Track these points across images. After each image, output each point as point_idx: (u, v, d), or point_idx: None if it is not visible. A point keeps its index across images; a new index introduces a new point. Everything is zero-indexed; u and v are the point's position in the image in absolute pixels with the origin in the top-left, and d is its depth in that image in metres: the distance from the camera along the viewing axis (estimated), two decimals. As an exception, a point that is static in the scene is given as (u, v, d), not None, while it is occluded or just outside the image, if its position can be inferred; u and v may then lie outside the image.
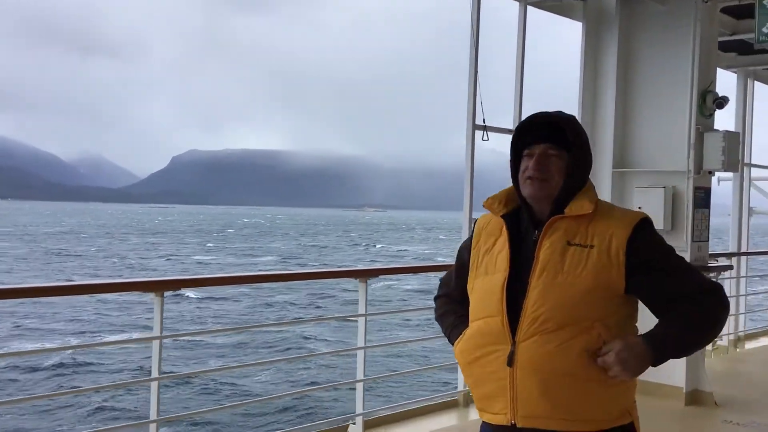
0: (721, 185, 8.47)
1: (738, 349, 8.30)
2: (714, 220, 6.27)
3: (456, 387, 5.77)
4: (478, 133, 5.62)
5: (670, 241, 2.13)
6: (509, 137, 2.22)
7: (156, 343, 3.96)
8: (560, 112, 2.16)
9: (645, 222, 2.05)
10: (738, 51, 8.17)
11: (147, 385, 4.07)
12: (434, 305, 2.43)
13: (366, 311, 4.99)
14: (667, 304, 2.03)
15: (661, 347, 1.97)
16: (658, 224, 5.84)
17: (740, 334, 8.49)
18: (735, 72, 8.77)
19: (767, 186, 9.52)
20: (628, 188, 6.25)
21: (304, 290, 32.05)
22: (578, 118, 6.26)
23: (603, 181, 6.22)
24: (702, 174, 5.98)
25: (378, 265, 40.36)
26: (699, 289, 2.03)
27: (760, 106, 9.36)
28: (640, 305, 2.10)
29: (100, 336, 22.39)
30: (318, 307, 29.32)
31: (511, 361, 1.99)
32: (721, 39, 6.68)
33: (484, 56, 5.67)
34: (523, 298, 2.01)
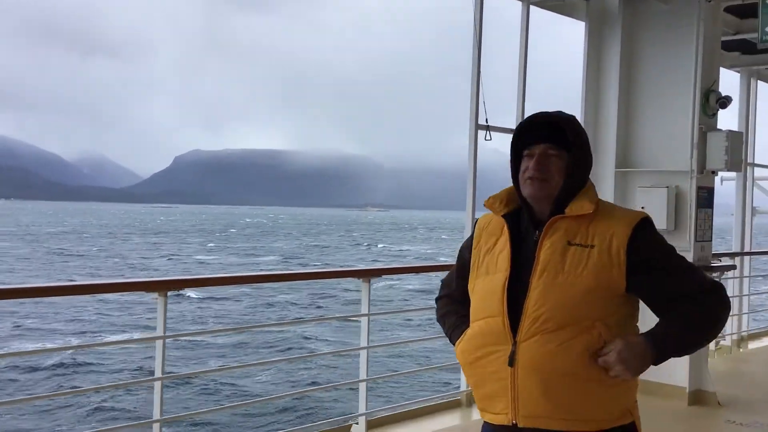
0: (724, 185, 8.47)
1: (741, 349, 8.30)
2: (717, 220, 6.25)
3: (459, 387, 5.77)
4: (481, 133, 5.61)
5: (673, 240, 2.13)
6: (511, 137, 2.22)
7: (159, 343, 3.96)
8: (560, 112, 2.16)
9: (645, 221, 2.05)
10: (741, 50, 8.15)
11: (147, 385, 4.07)
12: (436, 306, 2.43)
13: (369, 311, 4.99)
14: (667, 303, 2.03)
15: (661, 346, 1.97)
16: (661, 224, 5.83)
17: (743, 334, 8.48)
18: (738, 71, 8.76)
19: (770, 186, 9.51)
20: (630, 188, 6.24)
21: (305, 290, 32.05)
22: (581, 117, 6.28)
23: (606, 180, 6.21)
24: (705, 174, 5.97)
25: (380, 265, 40.44)
26: (700, 289, 2.03)
27: (763, 106, 9.35)
28: (641, 305, 2.10)
29: (101, 336, 22.41)
30: (319, 307, 29.32)
31: (512, 361, 1.99)
32: (724, 38, 6.67)
33: (486, 56, 5.66)
34: (524, 298, 2.01)
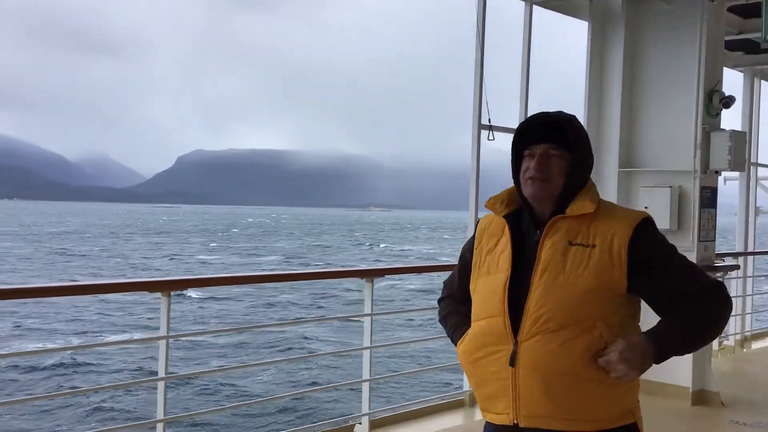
0: (728, 185, 8.45)
1: (744, 349, 8.28)
2: (720, 220, 6.25)
3: (462, 387, 5.76)
4: (484, 133, 5.60)
5: (676, 240, 2.13)
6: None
7: (163, 343, 3.96)
8: (561, 112, 2.16)
9: (647, 221, 2.05)
10: (745, 50, 8.13)
11: (149, 385, 4.07)
12: (438, 307, 2.44)
13: (372, 311, 4.98)
14: (669, 303, 2.03)
15: (663, 344, 1.97)
16: (665, 224, 5.82)
17: (747, 334, 8.46)
18: (741, 71, 8.74)
19: (774, 186, 9.49)
20: (634, 188, 6.23)
21: (306, 290, 32.04)
22: (584, 117, 6.28)
23: (609, 180, 6.21)
24: (708, 173, 5.96)
25: (381, 265, 40.40)
26: (701, 288, 2.03)
27: (766, 106, 9.33)
28: (643, 305, 2.10)
29: (102, 336, 22.42)
30: (320, 307, 29.32)
31: (513, 361, 1.99)
32: (727, 38, 6.65)
33: (488, 55, 5.66)
34: (525, 298, 2.01)
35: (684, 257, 2.08)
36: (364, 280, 4.98)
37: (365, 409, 4.92)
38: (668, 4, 6.01)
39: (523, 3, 6.04)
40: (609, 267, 1.98)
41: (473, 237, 2.27)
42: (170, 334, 3.97)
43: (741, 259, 8.25)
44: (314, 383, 15.22)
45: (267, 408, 13.26)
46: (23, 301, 23.24)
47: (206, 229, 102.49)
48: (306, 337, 21.57)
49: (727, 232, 11.48)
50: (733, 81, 8.26)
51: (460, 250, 2.36)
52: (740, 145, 5.98)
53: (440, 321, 2.39)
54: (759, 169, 9.08)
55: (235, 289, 29.97)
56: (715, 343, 7.48)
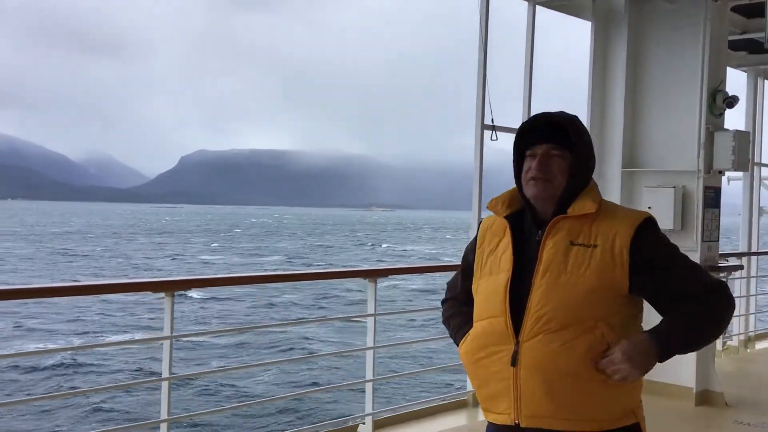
0: (731, 185, 8.43)
1: (748, 350, 8.26)
2: (724, 220, 6.24)
3: (465, 387, 5.75)
4: (487, 133, 5.60)
5: (679, 241, 2.13)
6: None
7: (167, 343, 3.96)
8: (562, 112, 2.16)
9: (649, 221, 2.05)
10: (748, 50, 8.11)
11: (151, 385, 4.07)
12: (441, 309, 2.44)
13: (375, 311, 4.98)
14: (671, 303, 2.03)
15: (665, 343, 1.97)
16: (668, 224, 5.81)
17: (750, 334, 8.44)
18: (745, 71, 8.71)
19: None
20: (637, 188, 6.22)
21: (308, 290, 32.04)
22: (587, 117, 6.27)
23: (612, 180, 6.19)
24: (712, 173, 5.94)
25: (384, 265, 40.40)
26: (703, 288, 2.02)
27: (770, 106, 9.30)
28: (645, 305, 2.09)
29: (103, 336, 22.43)
30: (322, 307, 29.33)
31: (514, 361, 1.99)
32: (731, 38, 6.64)
33: (491, 55, 5.65)
34: (527, 298, 2.01)
35: (686, 257, 2.08)
36: (368, 280, 4.98)
37: (369, 409, 4.91)
38: (671, 4, 5.99)
39: (526, 3, 6.04)
40: (611, 267, 1.98)
41: (476, 238, 2.27)
42: (174, 334, 3.97)
43: (745, 259, 8.23)
44: (315, 384, 15.22)
45: (268, 408, 13.25)
46: (24, 302, 23.24)
47: (209, 229, 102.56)
48: (307, 338, 21.57)
49: (730, 232, 11.44)
50: (736, 81, 8.24)
51: (463, 250, 2.36)
52: (744, 145, 5.96)
53: (443, 322, 2.40)
54: (763, 169, 9.07)
55: (237, 290, 29.97)
56: (718, 343, 7.47)
